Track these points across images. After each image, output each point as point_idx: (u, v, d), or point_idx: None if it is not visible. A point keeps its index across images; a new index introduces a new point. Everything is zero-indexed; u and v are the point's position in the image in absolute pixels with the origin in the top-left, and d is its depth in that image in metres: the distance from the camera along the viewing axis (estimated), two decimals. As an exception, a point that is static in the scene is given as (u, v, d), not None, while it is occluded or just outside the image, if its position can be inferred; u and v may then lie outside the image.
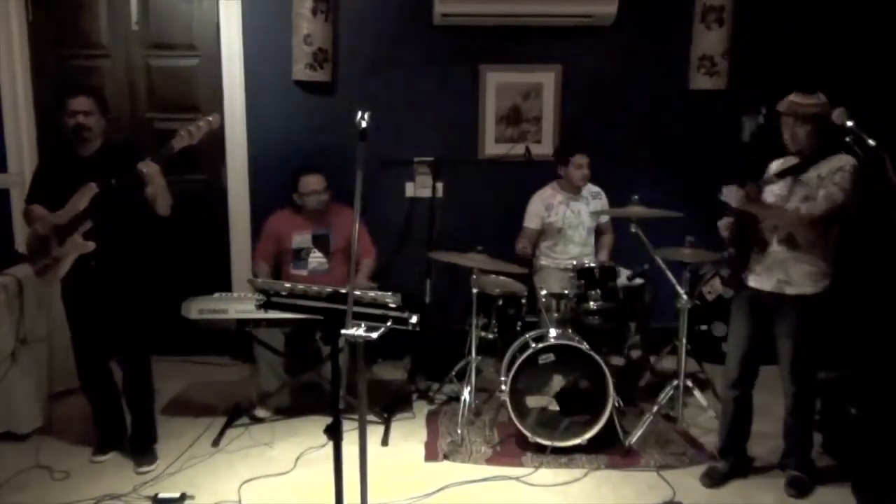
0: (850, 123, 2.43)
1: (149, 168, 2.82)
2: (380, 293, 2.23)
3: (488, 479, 3.02)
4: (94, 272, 2.92)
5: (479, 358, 3.53)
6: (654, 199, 3.48)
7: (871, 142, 2.39)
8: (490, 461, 3.17)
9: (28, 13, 4.18)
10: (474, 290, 3.46)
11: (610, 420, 3.18)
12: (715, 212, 2.94)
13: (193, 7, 4.24)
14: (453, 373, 3.83)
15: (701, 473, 3.02)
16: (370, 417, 3.51)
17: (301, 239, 3.80)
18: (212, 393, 3.92)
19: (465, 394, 3.43)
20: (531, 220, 4.04)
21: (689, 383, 3.40)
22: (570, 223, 4.01)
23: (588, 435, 3.18)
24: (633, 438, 3.24)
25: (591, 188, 4.09)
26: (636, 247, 3.31)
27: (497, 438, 3.35)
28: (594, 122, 4.39)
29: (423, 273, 4.15)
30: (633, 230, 3.29)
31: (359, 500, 2.17)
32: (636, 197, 3.42)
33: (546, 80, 4.37)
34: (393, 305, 2.19)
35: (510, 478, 3.03)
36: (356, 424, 2.28)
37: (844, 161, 2.65)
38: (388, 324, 2.15)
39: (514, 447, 3.27)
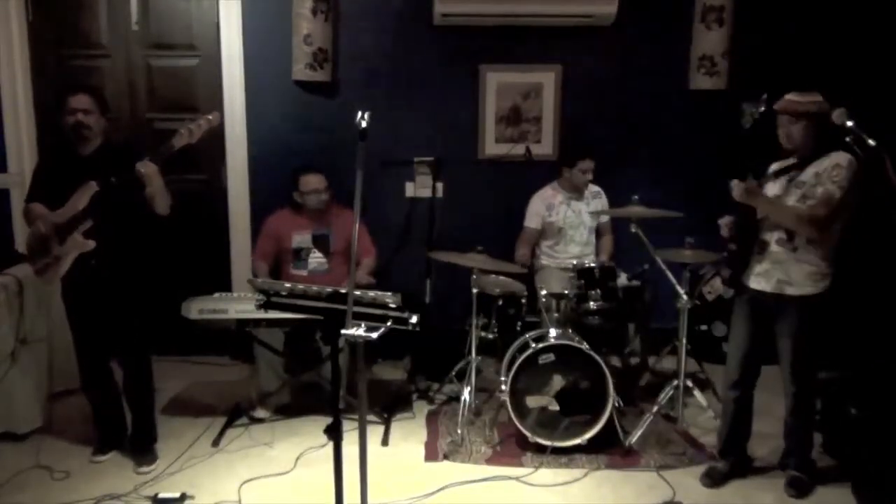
0: (850, 123, 2.43)
1: (146, 168, 2.82)
2: (380, 293, 2.23)
3: (488, 479, 3.02)
4: (94, 271, 2.92)
5: (479, 358, 3.53)
6: (654, 199, 3.48)
7: (871, 142, 2.39)
8: (490, 461, 3.17)
9: (28, 13, 4.18)
10: (474, 290, 3.46)
11: (610, 420, 3.18)
12: (715, 212, 2.94)
13: (193, 7, 4.24)
14: (453, 373, 3.83)
15: (701, 473, 3.02)
16: (370, 417, 3.51)
17: (301, 239, 3.80)
18: (212, 393, 3.92)
19: (465, 394, 3.43)
20: (532, 220, 4.04)
21: (689, 383, 3.40)
22: (570, 223, 4.01)
23: (588, 435, 3.18)
24: (633, 438, 3.24)
25: (591, 188, 4.09)
26: (636, 247, 3.32)
27: (497, 438, 3.35)
28: (594, 122, 4.39)
29: (423, 273, 4.15)
30: (633, 230, 3.29)
31: (359, 500, 2.17)
32: (636, 197, 3.42)
33: (546, 80, 4.37)
34: (393, 305, 2.19)
35: (510, 478, 3.03)
36: (356, 424, 2.28)
37: (840, 158, 2.66)
38: (388, 324, 2.15)
39: (514, 447, 3.27)
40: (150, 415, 3.25)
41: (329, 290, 2.23)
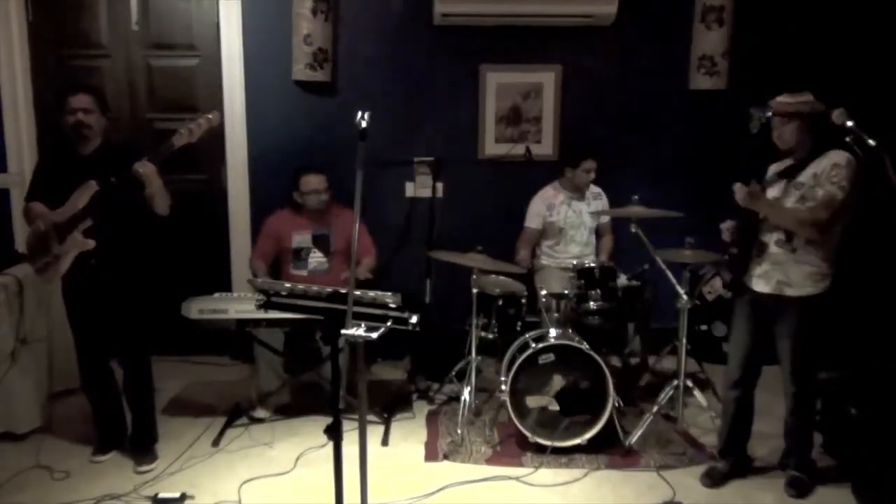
0: (850, 123, 2.42)
1: (145, 169, 2.82)
2: (380, 293, 2.23)
3: (488, 479, 3.02)
4: (94, 270, 2.92)
5: (479, 358, 3.53)
6: (654, 199, 3.47)
7: (871, 142, 2.39)
8: (490, 461, 3.17)
9: (28, 13, 4.18)
10: (474, 290, 3.46)
11: (610, 420, 3.18)
12: (715, 212, 2.94)
13: (193, 7, 4.24)
14: (453, 373, 3.83)
15: (701, 473, 3.02)
16: (370, 417, 3.51)
17: (301, 239, 3.80)
18: (212, 393, 3.92)
19: (465, 394, 3.43)
20: (532, 220, 4.04)
21: (689, 383, 3.40)
22: (571, 223, 4.01)
23: (588, 435, 3.18)
24: (633, 438, 3.24)
25: (592, 189, 4.09)
26: (636, 247, 3.31)
27: (497, 438, 3.35)
28: (594, 122, 4.39)
29: (423, 273, 4.15)
30: (633, 230, 3.28)
31: (359, 500, 2.17)
32: (636, 197, 3.42)
33: (546, 80, 4.37)
34: (393, 305, 2.19)
35: (510, 478, 3.03)
36: (356, 424, 2.28)
37: (839, 157, 2.65)
38: (388, 324, 2.15)
39: (514, 447, 3.27)
40: (150, 415, 3.25)
41: (329, 290, 2.23)
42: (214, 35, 4.24)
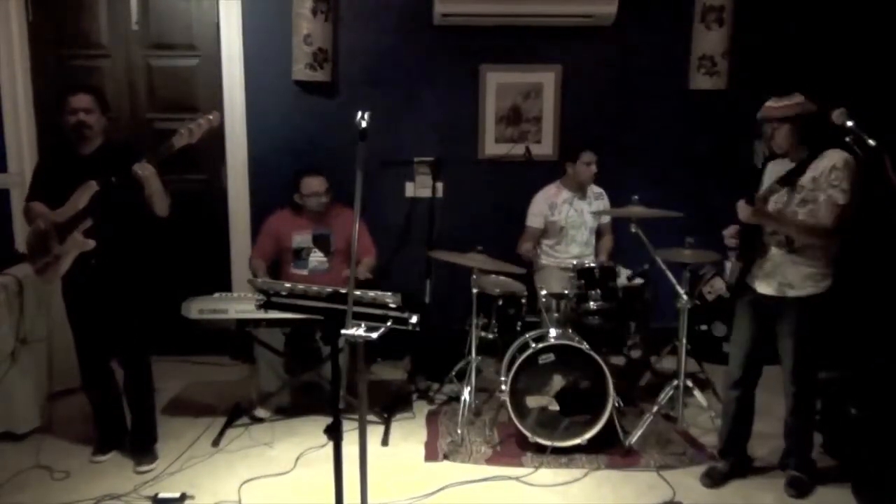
0: (850, 123, 2.42)
1: (144, 170, 2.82)
2: (380, 293, 2.23)
3: (488, 479, 3.02)
4: (94, 270, 2.92)
5: (479, 358, 3.53)
6: (654, 199, 3.48)
7: (871, 142, 2.39)
8: (490, 461, 3.17)
9: (28, 13, 4.18)
10: (474, 290, 3.46)
11: (610, 420, 3.18)
12: (715, 212, 2.95)
13: (193, 7, 4.24)
14: (453, 373, 3.83)
15: (701, 473, 3.01)
16: (370, 417, 3.51)
17: (301, 239, 3.80)
18: (212, 393, 3.92)
19: (465, 394, 3.43)
20: (534, 220, 4.04)
21: (689, 383, 3.40)
22: (572, 222, 4.01)
23: (588, 435, 3.18)
24: (633, 438, 3.24)
25: (594, 189, 4.09)
26: (636, 247, 3.31)
27: (497, 438, 3.35)
28: (594, 122, 4.39)
29: (423, 273, 4.15)
30: (633, 230, 3.28)
31: (359, 500, 2.17)
32: (636, 197, 3.42)
33: (546, 80, 4.37)
34: (393, 305, 2.19)
35: (510, 478, 3.03)
36: (356, 424, 2.28)
37: (836, 158, 2.64)
38: (388, 324, 2.15)
39: (514, 447, 3.27)
40: (151, 415, 3.25)
41: (329, 290, 2.23)
42: (214, 35, 4.24)
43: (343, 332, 2.01)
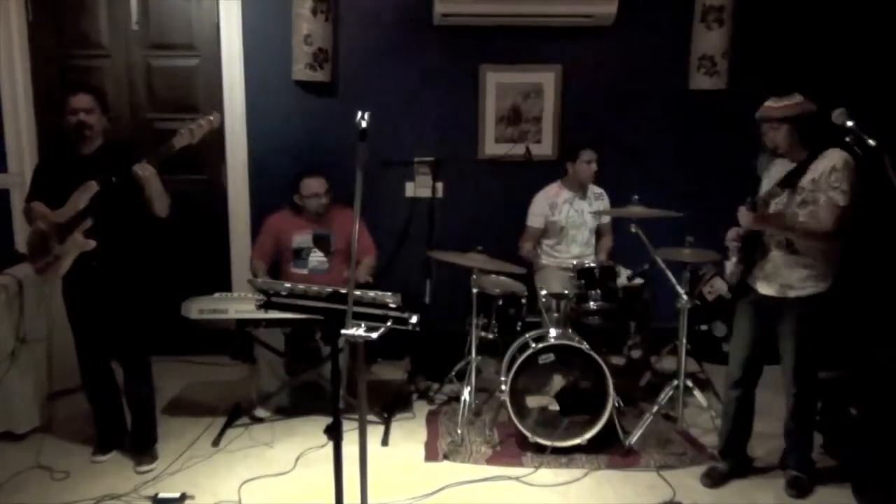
0: (850, 123, 2.42)
1: (144, 171, 2.82)
2: (380, 293, 2.23)
3: (488, 479, 3.02)
4: (94, 271, 2.92)
5: (479, 358, 3.53)
6: (654, 199, 3.48)
7: (871, 142, 2.39)
8: (490, 461, 3.17)
9: (28, 13, 4.18)
10: (474, 290, 3.46)
11: (610, 420, 3.18)
12: (715, 212, 2.94)
13: (193, 7, 4.24)
14: (453, 373, 3.83)
15: (701, 473, 3.02)
16: (370, 417, 3.51)
17: (302, 239, 3.80)
18: (212, 393, 3.92)
19: (465, 394, 3.43)
20: (534, 219, 4.03)
21: (689, 383, 3.39)
22: (573, 222, 4.01)
23: (588, 435, 3.18)
24: (633, 438, 3.24)
25: (594, 189, 4.09)
26: (636, 247, 3.31)
27: (497, 438, 3.35)
28: (594, 122, 4.39)
29: (423, 273, 4.15)
30: (633, 230, 3.29)
31: (359, 500, 2.17)
32: (636, 197, 3.42)
33: (546, 80, 4.37)
34: (393, 305, 2.19)
35: (510, 478, 3.03)
36: (356, 424, 2.28)
37: (835, 158, 2.64)
38: (388, 324, 2.15)
39: (514, 447, 3.27)
40: (151, 415, 3.25)
41: (329, 290, 2.23)
42: (214, 35, 4.24)
43: (343, 332, 2.01)
